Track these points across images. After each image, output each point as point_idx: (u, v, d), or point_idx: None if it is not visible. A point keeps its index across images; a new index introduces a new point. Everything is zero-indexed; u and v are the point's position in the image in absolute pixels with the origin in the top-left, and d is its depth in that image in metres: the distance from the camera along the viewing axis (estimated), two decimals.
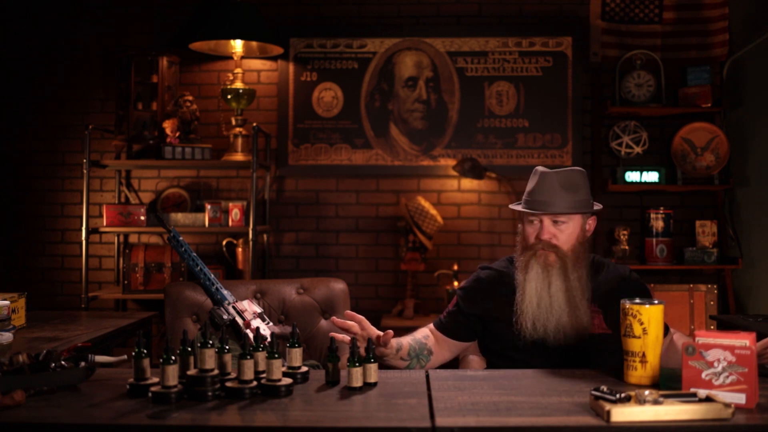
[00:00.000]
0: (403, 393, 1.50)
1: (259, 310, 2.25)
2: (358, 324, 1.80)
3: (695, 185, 3.95)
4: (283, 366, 1.58)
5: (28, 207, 4.16)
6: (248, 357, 1.48)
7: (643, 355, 1.55)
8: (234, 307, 2.23)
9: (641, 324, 1.56)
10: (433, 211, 3.84)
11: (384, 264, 4.10)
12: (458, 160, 3.99)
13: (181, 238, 2.34)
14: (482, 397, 1.45)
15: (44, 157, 4.16)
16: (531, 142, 4.08)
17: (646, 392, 1.32)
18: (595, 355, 1.93)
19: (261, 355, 1.53)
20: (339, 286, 2.43)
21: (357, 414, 1.37)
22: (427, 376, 1.66)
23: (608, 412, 1.28)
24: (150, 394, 1.42)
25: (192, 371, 1.48)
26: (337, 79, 4.12)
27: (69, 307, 4.09)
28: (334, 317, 1.90)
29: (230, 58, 4.01)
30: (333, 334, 1.70)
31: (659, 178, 3.90)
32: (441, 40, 4.11)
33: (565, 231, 1.95)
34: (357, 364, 1.54)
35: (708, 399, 1.33)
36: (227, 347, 1.53)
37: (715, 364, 1.39)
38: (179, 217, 3.78)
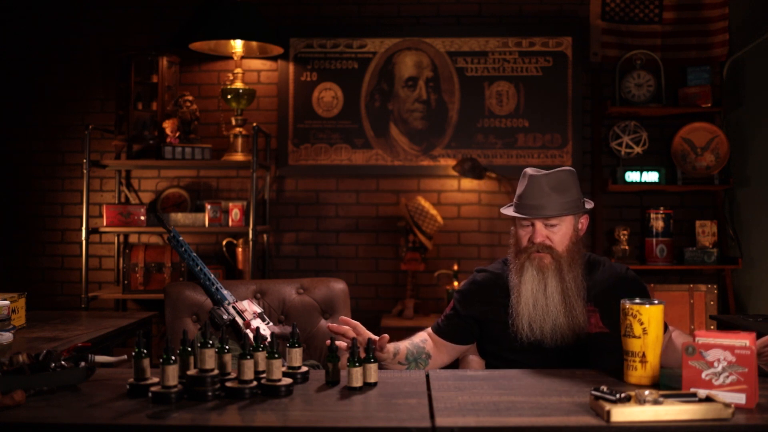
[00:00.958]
0: (403, 393, 1.50)
1: (259, 310, 2.25)
2: (353, 329, 1.80)
3: (695, 185, 3.95)
4: (283, 366, 1.58)
5: (28, 207, 4.16)
6: (248, 357, 1.48)
7: (643, 355, 1.55)
8: (234, 307, 2.23)
9: (641, 324, 1.56)
10: (433, 211, 3.84)
11: (384, 264, 4.10)
12: (458, 160, 3.99)
13: (181, 238, 2.34)
14: (482, 397, 1.45)
15: (44, 157, 4.16)
16: (531, 142, 4.08)
17: (646, 392, 1.32)
18: (592, 355, 1.93)
19: (261, 355, 1.53)
20: (339, 286, 2.42)
21: (357, 414, 1.37)
22: (427, 376, 1.66)
23: (608, 412, 1.28)
24: (150, 394, 1.42)
25: (192, 371, 1.48)
26: (337, 79, 4.12)
27: (69, 307, 4.09)
28: (329, 324, 1.90)
29: (230, 58, 4.01)
30: (337, 342, 1.70)
31: (659, 178, 3.90)
32: (441, 40, 4.11)
33: (558, 233, 1.95)
34: (357, 364, 1.54)
35: (708, 399, 1.33)
36: (227, 347, 1.53)
37: (715, 364, 1.39)
38: (179, 217, 3.78)
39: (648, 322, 1.56)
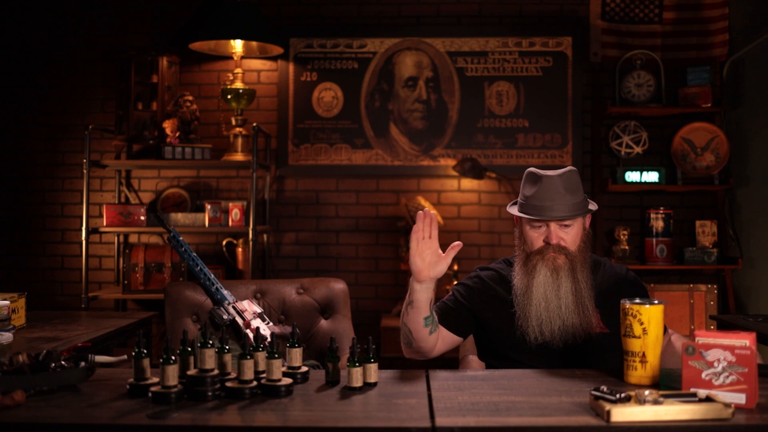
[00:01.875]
0: (403, 393, 1.50)
1: (259, 310, 2.25)
2: (430, 238, 1.91)
3: (695, 185, 3.95)
4: (283, 366, 1.58)
5: (28, 207, 4.16)
6: (248, 357, 1.48)
7: (643, 355, 1.55)
8: (234, 307, 2.23)
9: (641, 324, 1.56)
10: (432, 211, 3.84)
11: (384, 264, 4.10)
12: (458, 160, 3.99)
13: (181, 238, 2.34)
14: (482, 397, 1.45)
15: (44, 157, 4.16)
16: (531, 142, 4.08)
17: (646, 392, 1.32)
18: (593, 355, 1.93)
19: (261, 355, 1.53)
20: (339, 286, 2.42)
21: (357, 414, 1.37)
22: (427, 377, 1.66)
23: (608, 412, 1.28)
24: (150, 394, 1.42)
25: (192, 371, 1.48)
26: (337, 79, 4.12)
27: (69, 307, 4.09)
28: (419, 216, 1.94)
29: (230, 58, 4.01)
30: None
31: (659, 178, 3.90)
32: (441, 40, 4.11)
33: (571, 233, 1.94)
34: (357, 364, 1.54)
35: (708, 399, 1.33)
36: (227, 347, 1.53)
37: (715, 364, 1.39)
38: (179, 217, 3.79)
39: (648, 322, 1.56)
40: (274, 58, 4.13)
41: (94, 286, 4.10)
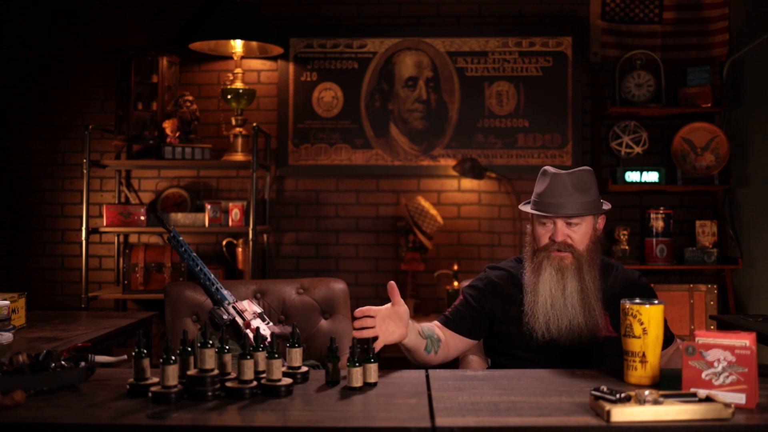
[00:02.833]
0: (403, 393, 1.50)
1: (259, 310, 2.25)
2: (373, 317, 1.72)
3: (695, 185, 3.95)
4: (283, 366, 1.58)
5: (28, 207, 4.16)
6: (248, 357, 1.48)
7: (643, 355, 1.55)
8: (234, 307, 2.23)
9: (641, 324, 1.56)
10: (433, 211, 3.84)
11: (384, 264, 4.10)
12: (458, 160, 3.99)
13: (181, 238, 2.34)
14: (482, 397, 1.45)
15: (44, 157, 4.16)
16: (531, 142, 4.08)
17: (646, 392, 1.32)
18: (600, 358, 1.92)
19: (261, 355, 1.53)
20: (339, 286, 2.42)
21: (357, 414, 1.37)
22: (427, 376, 1.66)
23: (608, 412, 1.28)
24: (150, 394, 1.42)
25: (192, 371, 1.48)
26: (337, 79, 4.12)
27: (69, 307, 4.09)
28: (354, 333, 1.75)
29: (230, 58, 4.01)
30: (355, 333, 1.67)
31: (659, 178, 3.90)
32: (441, 40, 4.11)
33: (579, 232, 1.94)
34: (357, 364, 1.54)
35: (708, 399, 1.33)
36: (227, 347, 1.53)
37: (715, 364, 1.39)
38: (179, 217, 3.78)
39: (648, 322, 1.56)
40: (274, 58, 4.13)
41: (94, 286, 4.10)
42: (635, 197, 4.09)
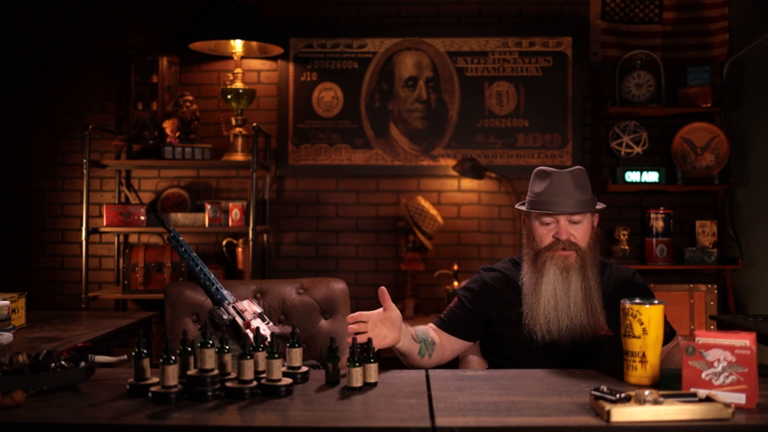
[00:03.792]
0: (403, 393, 1.50)
1: (259, 310, 2.25)
2: (365, 323, 1.74)
3: (695, 185, 3.95)
4: (283, 366, 1.58)
5: (28, 207, 4.16)
6: (248, 357, 1.48)
7: (643, 355, 1.55)
8: (234, 307, 2.23)
9: (641, 324, 1.56)
10: (433, 211, 3.84)
11: (384, 264, 4.10)
12: (458, 160, 3.99)
13: (181, 238, 2.34)
14: (482, 397, 1.45)
15: (44, 157, 4.16)
16: (531, 142, 4.08)
17: (646, 392, 1.32)
18: (597, 357, 1.92)
19: (261, 355, 1.53)
20: (339, 286, 2.42)
21: (357, 414, 1.37)
22: (427, 376, 1.66)
23: (608, 412, 1.28)
24: (150, 394, 1.42)
25: (192, 371, 1.48)
26: (337, 79, 4.12)
27: (69, 307, 4.09)
28: (349, 331, 1.74)
29: (230, 58, 4.01)
30: (351, 329, 1.66)
31: (659, 178, 3.90)
32: (441, 40, 4.11)
33: (581, 229, 1.95)
34: (357, 364, 1.54)
35: (708, 399, 1.33)
36: (227, 347, 1.53)
37: (715, 364, 1.39)
38: (179, 217, 3.79)
39: (648, 322, 1.56)
40: (274, 58, 4.13)
41: (94, 286, 4.10)
42: (635, 197, 4.09)
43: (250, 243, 3.67)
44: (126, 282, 3.74)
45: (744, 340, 1.38)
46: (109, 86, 4.12)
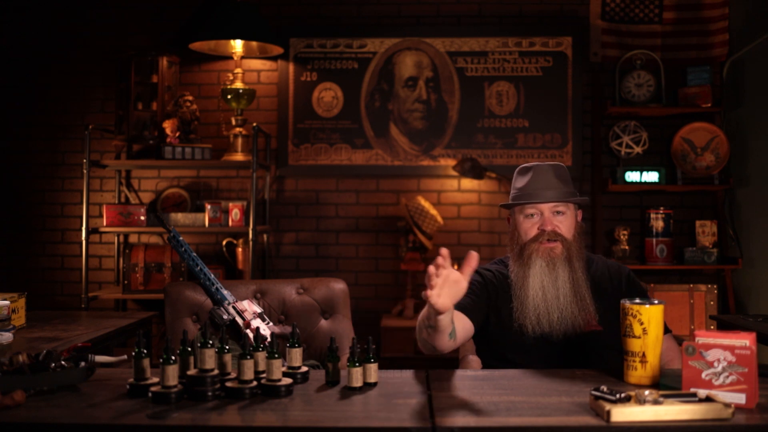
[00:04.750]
0: (403, 393, 1.50)
1: (259, 310, 2.25)
2: (445, 268, 1.59)
3: (695, 185, 3.95)
4: (283, 366, 1.58)
5: (28, 207, 4.16)
6: (248, 357, 1.48)
7: (643, 355, 1.55)
8: (234, 307, 2.23)
9: (641, 324, 1.56)
10: (433, 211, 3.84)
11: (384, 264, 4.10)
12: (458, 160, 3.99)
13: (181, 238, 2.34)
14: (482, 397, 1.45)
15: (44, 157, 4.16)
16: (531, 142, 4.08)
17: (646, 392, 1.32)
18: (591, 353, 1.92)
19: (261, 355, 1.53)
20: (339, 286, 2.42)
21: (357, 414, 1.37)
22: (427, 376, 1.66)
23: (608, 412, 1.28)
24: (150, 394, 1.42)
25: (192, 371, 1.48)
26: (337, 79, 4.12)
27: (69, 307, 4.09)
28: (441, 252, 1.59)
29: (230, 58, 4.01)
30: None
31: (659, 178, 3.90)
32: (441, 40, 4.11)
33: (565, 222, 1.96)
34: (357, 364, 1.54)
35: (708, 399, 1.33)
36: (227, 347, 1.53)
37: (715, 364, 1.39)
38: (179, 217, 3.78)
39: (648, 322, 1.55)
40: (274, 58, 4.13)
41: (94, 286, 4.10)
42: (635, 197, 4.09)
43: (250, 243, 3.67)
44: (126, 282, 3.74)
45: (744, 340, 1.38)
46: (109, 86, 4.12)
